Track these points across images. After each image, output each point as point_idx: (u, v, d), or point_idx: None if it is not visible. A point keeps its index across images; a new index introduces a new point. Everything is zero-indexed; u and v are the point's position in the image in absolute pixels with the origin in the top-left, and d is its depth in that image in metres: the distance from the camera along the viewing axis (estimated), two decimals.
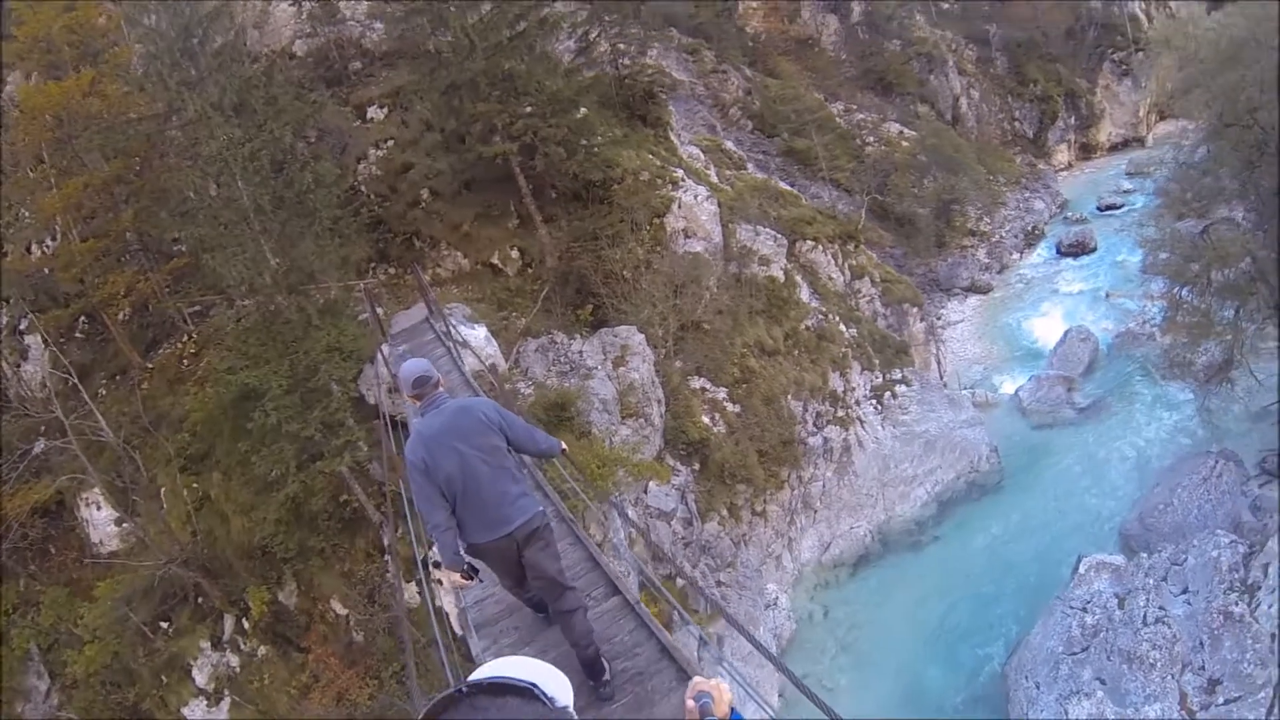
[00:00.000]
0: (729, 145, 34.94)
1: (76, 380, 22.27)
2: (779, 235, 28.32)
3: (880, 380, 29.63)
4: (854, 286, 31.73)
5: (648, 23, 30.49)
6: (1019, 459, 28.79)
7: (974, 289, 40.61)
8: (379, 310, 23.00)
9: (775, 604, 24.03)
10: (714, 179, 29.46)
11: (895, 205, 39.95)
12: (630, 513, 19.86)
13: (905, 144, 43.60)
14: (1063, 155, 51.52)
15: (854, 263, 31.93)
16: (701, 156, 30.22)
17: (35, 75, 26.69)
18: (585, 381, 20.83)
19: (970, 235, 42.73)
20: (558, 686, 1.55)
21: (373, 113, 28.16)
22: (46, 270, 26.63)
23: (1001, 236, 43.36)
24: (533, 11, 23.10)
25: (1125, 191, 46.67)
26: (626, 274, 22.48)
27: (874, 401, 29.18)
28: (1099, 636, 19.06)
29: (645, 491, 21.52)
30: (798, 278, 28.52)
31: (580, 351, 21.61)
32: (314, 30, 30.25)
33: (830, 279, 30.71)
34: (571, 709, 1.52)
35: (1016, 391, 32.79)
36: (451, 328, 18.94)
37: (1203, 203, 27.37)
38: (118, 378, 26.46)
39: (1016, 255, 43.30)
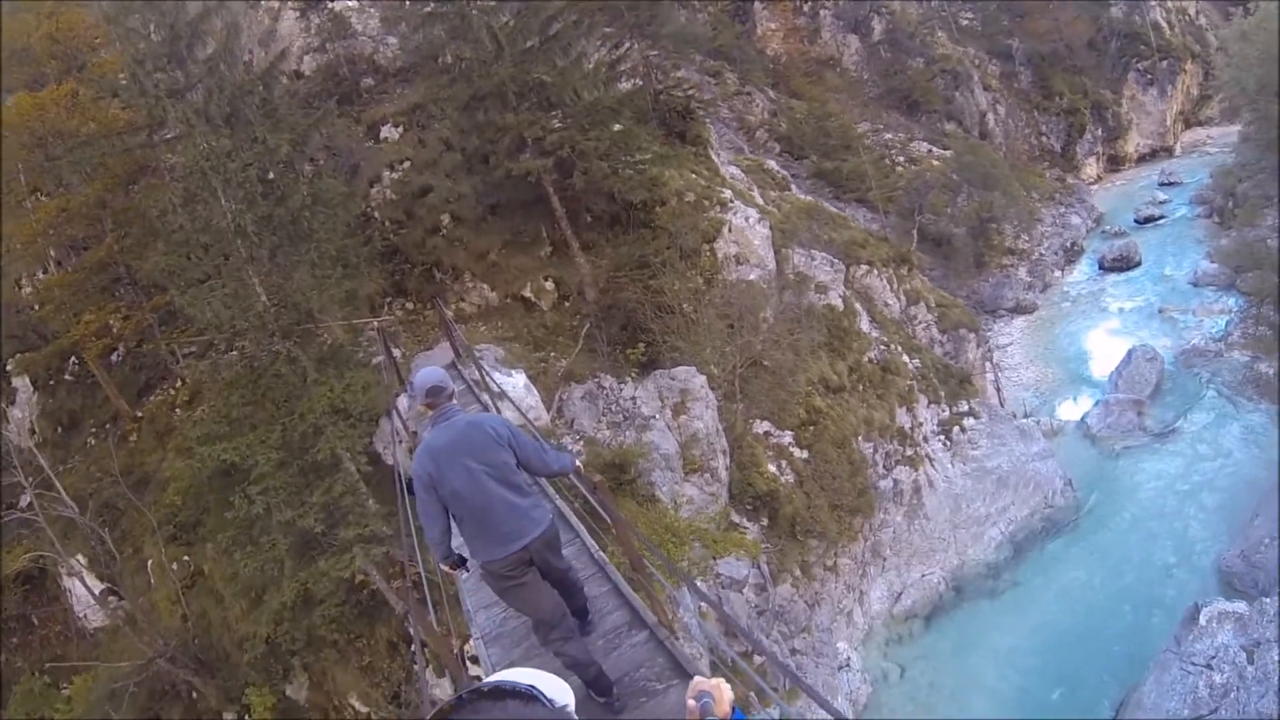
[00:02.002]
0: (771, 165, 30.87)
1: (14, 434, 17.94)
2: (835, 260, 24.25)
3: (947, 414, 25.67)
4: (910, 313, 27.67)
5: (666, 45, 26.57)
6: (1094, 491, 25.40)
7: (1019, 309, 36.62)
8: (396, 352, 18.91)
9: (848, 665, 20.75)
10: (759, 200, 25.39)
11: (931, 226, 35.99)
12: (700, 584, 15.83)
13: (936, 163, 39.78)
14: (1091, 168, 47.75)
15: (908, 287, 27.88)
16: (743, 177, 26.16)
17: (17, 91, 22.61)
18: (642, 434, 16.74)
19: (1009, 254, 38.85)
20: (558, 690, 1.55)
21: (386, 132, 24.12)
22: (36, 306, 22.69)
23: (1041, 254, 39.43)
24: (566, 12, 19.06)
25: (1161, 202, 43.23)
26: (685, 307, 18.34)
27: (942, 437, 25.37)
28: (1229, 697, 16.36)
29: (715, 558, 17.44)
30: (857, 305, 24.45)
31: (633, 398, 17.50)
32: (322, 45, 26.29)
33: (886, 305, 26.66)
34: (572, 709, 1.50)
35: (1083, 417, 29.15)
36: (485, 374, 14.86)
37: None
38: (108, 426, 22.41)
39: (1058, 273, 39.34)
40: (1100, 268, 38.98)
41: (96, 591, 19.60)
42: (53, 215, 18.92)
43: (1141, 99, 49.37)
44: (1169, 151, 49.05)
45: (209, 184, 13.32)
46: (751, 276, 21.73)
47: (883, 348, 24.69)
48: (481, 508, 4.75)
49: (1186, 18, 52.98)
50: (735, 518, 19.38)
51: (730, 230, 21.64)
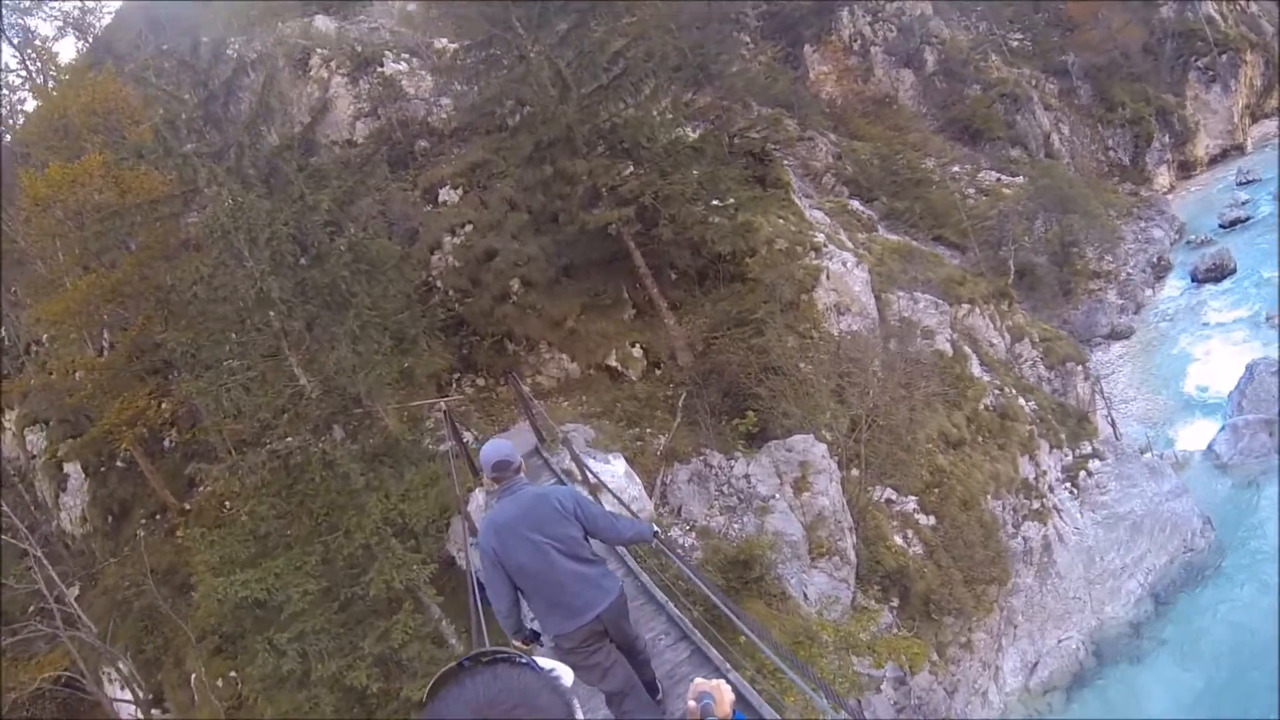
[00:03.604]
0: (855, 205, 27.63)
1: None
2: (939, 301, 20.88)
3: (1070, 458, 22.08)
4: (1015, 351, 24.08)
5: (735, 86, 23.81)
6: (1236, 528, 21.95)
7: (1115, 335, 32.67)
8: (467, 436, 15.94)
9: None
10: (848, 244, 22.19)
11: (1009, 257, 32.40)
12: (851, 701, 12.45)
13: (1007, 191, 36.26)
14: (1164, 177, 43.63)
15: (1010, 323, 24.32)
16: (828, 220, 22.91)
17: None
18: (763, 518, 13.52)
19: (1095, 277, 34.94)
20: (551, 663, 1.61)
21: (445, 195, 21.45)
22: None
23: (1129, 273, 35.41)
24: (636, 45, 16.26)
25: (1244, 202, 38.94)
26: (802, 366, 15.18)
27: (1068, 485, 21.84)
28: None
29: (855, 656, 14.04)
30: (966, 349, 21.01)
31: (747, 475, 14.30)
32: (374, 110, 23.93)
33: (991, 345, 23.13)
34: (564, 679, 1.50)
35: (1210, 445, 25.12)
36: (580, 462, 11.82)
37: None
38: (157, 517, 19.93)
39: (1149, 291, 35.28)
40: (1193, 280, 34.87)
41: (136, 706, 16.90)
42: (89, 292, 16.49)
43: (1205, 98, 45.23)
44: (1240, 149, 44.82)
45: (231, 245, 10.54)
46: (855, 327, 18.50)
47: (997, 392, 21.20)
48: (549, 582, 4.41)
49: (1239, 7, 48.72)
50: (862, 600, 16.06)
51: (828, 277, 18.47)
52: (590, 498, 7.98)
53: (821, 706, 4.88)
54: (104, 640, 16.89)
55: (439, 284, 19.48)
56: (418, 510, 11.70)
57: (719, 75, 22.90)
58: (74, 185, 16.00)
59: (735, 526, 13.57)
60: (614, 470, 12.99)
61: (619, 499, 10.83)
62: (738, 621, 5.78)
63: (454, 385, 18.17)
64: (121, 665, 17.00)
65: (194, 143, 13.14)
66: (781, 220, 19.75)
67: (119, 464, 21.14)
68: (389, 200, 19.26)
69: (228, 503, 17.60)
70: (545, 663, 1.49)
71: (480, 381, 18.23)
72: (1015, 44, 46.83)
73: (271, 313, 10.93)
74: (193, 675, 16.17)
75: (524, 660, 1.38)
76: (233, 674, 15.59)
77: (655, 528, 5.18)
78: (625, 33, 18.56)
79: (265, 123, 14.27)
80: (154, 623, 17.82)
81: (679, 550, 12.28)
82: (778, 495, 14.05)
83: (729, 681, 3.91)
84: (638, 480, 13.19)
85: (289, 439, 10.82)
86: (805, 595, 13.65)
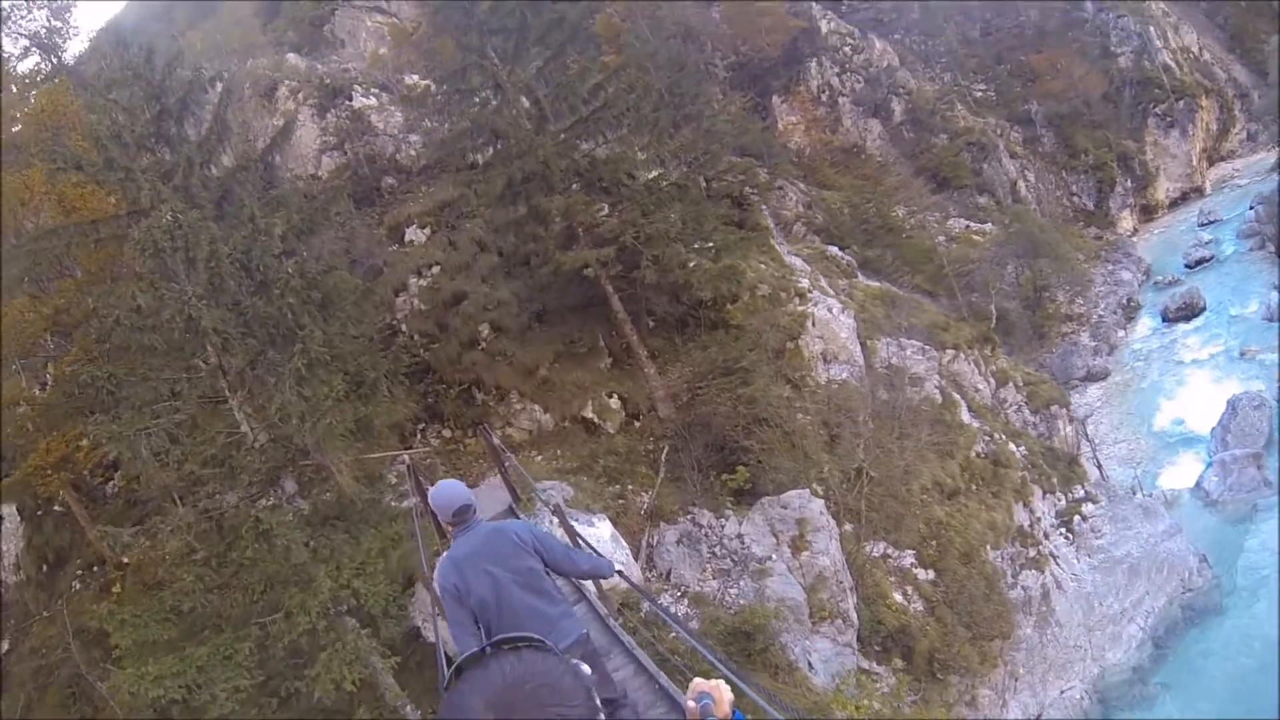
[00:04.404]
0: (834, 251, 26.60)
1: None
2: (926, 347, 19.74)
3: (1063, 503, 21.10)
4: (1000, 396, 23.02)
5: (710, 128, 22.88)
6: (1231, 565, 21.29)
7: (1090, 377, 31.91)
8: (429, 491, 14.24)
9: None
10: (829, 290, 21.01)
11: (992, 301, 31.68)
12: None
13: (977, 238, 35.77)
14: (1127, 221, 43.73)
15: (994, 368, 23.28)
16: (806, 267, 21.74)
17: None
18: (761, 581, 12.02)
19: (1067, 320, 34.43)
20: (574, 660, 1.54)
21: (411, 234, 19.97)
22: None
23: (1100, 315, 34.90)
24: (617, 78, 15.05)
25: (1207, 242, 38.95)
26: (790, 416, 13.77)
27: (1062, 530, 20.89)
28: None
29: None
30: (955, 395, 19.84)
31: (740, 536, 12.82)
32: (340, 144, 22.48)
33: (977, 391, 22.03)
34: (584, 669, 1.47)
35: (1198, 482, 24.37)
36: (566, 524, 10.21)
37: None
38: (95, 569, 17.82)
39: (1121, 332, 34.72)
40: (1164, 320, 34.45)
41: None
42: (20, 319, 14.54)
43: (1164, 143, 45.71)
44: (1199, 191, 45.31)
45: (165, 265, 8.88)
46: (843, 375, 17.24)
47: (987, 438, 20.06)
48: (507, 616, 4.07)
49: (1191, 55, 49.53)
50: (864, 663, 14.58)
51: (814, 324, 17.24)
52: (548, 531, 7.05)
53: None
54: (25, 710, 14.78)
55: (404, 328, 17.91)
56: (375, 588, 9.93)
57: (696, 117, 21.83)
58: (12, 202, 14.16)
59: (732, 591, 12.07)
60: (599, 534, 11.46)
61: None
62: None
63: (418, 436, 16.53)
64: None
65: (143, 160, 11.61)
66: (763, 265, 18.57)
67: (57, 508, 19.09)
68: (353, 237, 17.69)
69: (167, 558, 15.68)
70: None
71: (446, 433, 16.61)
72: (979, 94, 47.01)
73: (209, 346, 9.22)
74: None
75: (548, 647, 1.36)
76: None
77: (616, 565, 4.87)
78: (604, 68, 17.40)
79: (222, 142, 12.75)
80: (81, 691, 15.68)
81: (664, 611, 10.75)
82: (774, 556, 12.61)
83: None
84: (625, 545, 11.67)
85: (226, 495, 9.08)
86: (810, 664, 12.16)
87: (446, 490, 4.35)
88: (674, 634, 9.45)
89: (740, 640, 10.76)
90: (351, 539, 10.59)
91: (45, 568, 18.90)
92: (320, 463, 11.43)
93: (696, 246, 14.81)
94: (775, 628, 11.20)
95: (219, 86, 13.36)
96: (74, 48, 34.57)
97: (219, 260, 9.13)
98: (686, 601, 11.74)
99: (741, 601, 11.69)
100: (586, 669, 1.48)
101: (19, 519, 19.33)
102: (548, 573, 4.34)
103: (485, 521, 4.38)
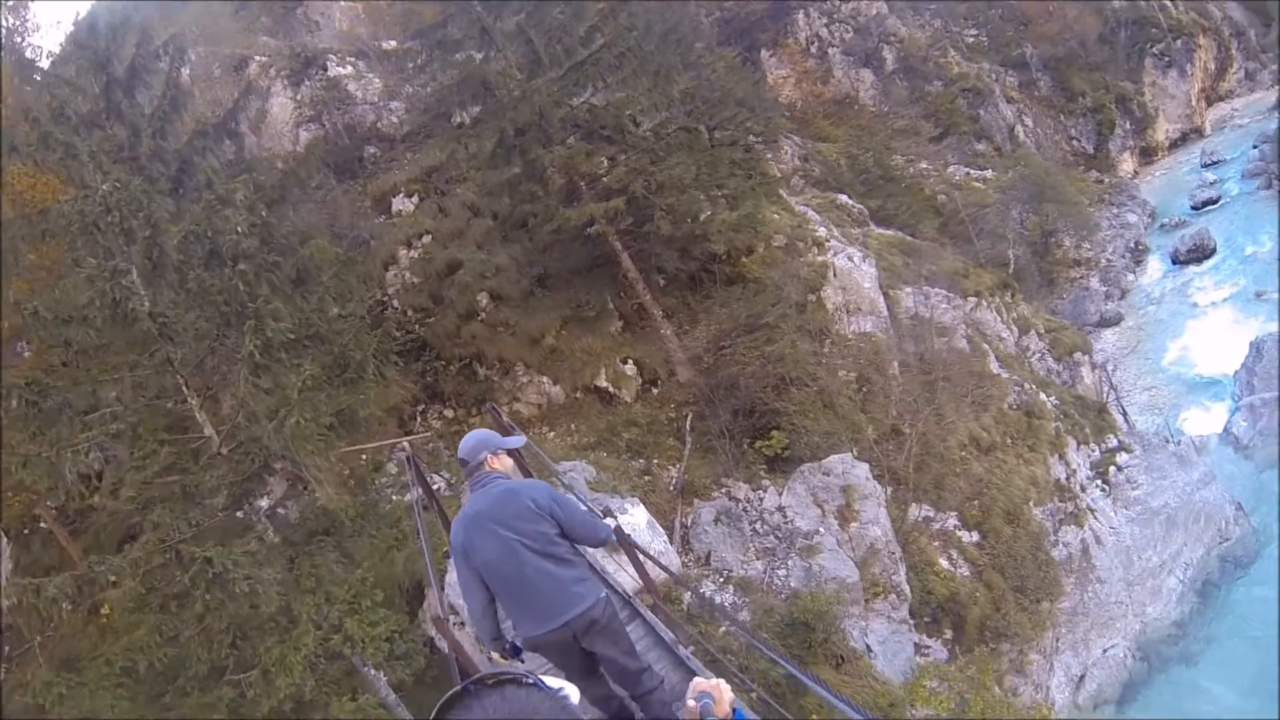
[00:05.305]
0: (844, 200, 25.00)
1: None
2: (951, 295, 18.31)
3: (1098, 454, 19.75)
4: (1023, 344, 21.65)
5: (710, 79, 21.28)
6: (1268, 512, 20.20)
7: (1104, 323, 30.62)
8: (437, 482, 12.73)
9: None
10: (844, 239, 19.50)
11: (1010, 247, 30.26)
12: None
13: (978, 184, 34.23)
14: (1127, 164, 42.18)
15: (1015, 315, 21.89)
16: (817, 216, 20.23)
17: None
18: (810, 559, 10.66)
19: (1076, 265, 33.05)
20: (559, 684, 1.52)
21: (398, 204, 18.34)
22: None
23: (1108, 260, 33.50)
24: (614, 17, 13.40)
25: (1212, 183, 37.52)
26: (826, 373, 12.36)
27: (1099, 482, 19.44)
28: None
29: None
30: (983, 345, 18.46)
31: (781, 509, 11.45)
32: (317, 116, 20.74)
33: (1001, 340, 20.63)
34: (572, 699, 1.42)
35: (1226, 428, 23.30)
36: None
37: None
38: (84, 590, 16.32)
39: (1131, 276, 33.39)
40: (1174, 262, 33.13)
41: None
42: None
43: (1163, 83, 44.06)
44: (1199, 132, 43.67)
45: (96, 243, 7.28)
46: (868, 327, 15.82)
47: (1018, 389, 18.71)
48: (518, 582, 3.84)
49: None
50: (915, 637, 13.34)
51: (835, 274, 15.76)
52: (567, 494, 6.28)
53: None
54: None
55: (395, 303, 16.37)
56: (374, 630, 8.18)
57: (694, 64, 20.18)
58: None
59: (779, 573, 10.72)
60: (634, 521, 10.01)
61: (649, 557, 7.80)
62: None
63: (418, 419, 15.08)
64: None
65: (95, 138, 10.03)
66: (776, 215, 17.04)
67: (42, 525, 17.67)
68: (336, 209, 16.07)
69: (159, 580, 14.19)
70: (553, 682, 1.46)
71: (449, 413, 15.17)
72: (971, 40, 45.12)
73: (149, 329, 7.57)
74: None
75: (531, 680, 1.29)
76: None
77: (611, 529, 4.47)
78: (597, 14, 15.73)
79: (177, 109, 11.14)
80: None
81: (710, 605, 9.36)
82: (821, 529, 11.24)
83: None
84: (661, 531, 10.24)
85: (180, 520, 7.49)
86: (869, 648, 10.87)
87: (468, 437, 4.09)
88: (724, 629, 8.08)
89: (800, 632, 9.43)
90: (343, 559, 8.96)
91: (36, 590, 17.53)
92: (293, 472, 9.85)
93: (712, 194, 13.26)
94: (837, 614, 9.83)
95: (172, 50, 11.76)
96: (46, 47, 32.56)
97: (157, 229, 7.47)
98: (732, 589, 10.37)
99: (791, 584, 10.33)
100: (575, 699, 1.47)
101: (6, 540, 17.95)
102: (564, 538, 4.01)
103: (502, 479, 4.04)
